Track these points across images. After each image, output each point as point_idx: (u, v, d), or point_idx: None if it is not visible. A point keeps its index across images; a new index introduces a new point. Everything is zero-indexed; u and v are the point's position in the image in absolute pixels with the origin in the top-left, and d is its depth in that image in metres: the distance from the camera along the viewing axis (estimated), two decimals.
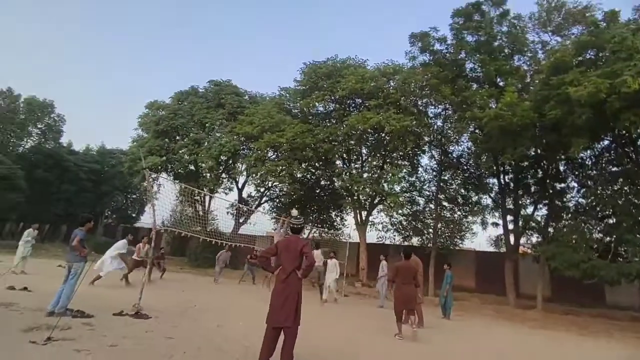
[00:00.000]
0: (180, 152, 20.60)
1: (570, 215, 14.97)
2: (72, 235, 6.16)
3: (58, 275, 6.97)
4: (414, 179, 19.85)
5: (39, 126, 32.81)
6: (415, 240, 20.42)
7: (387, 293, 11.22)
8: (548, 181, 15.35)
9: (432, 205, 19.37)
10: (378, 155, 18.51)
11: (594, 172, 14.86)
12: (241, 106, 21.51)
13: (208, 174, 21.60)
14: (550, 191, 15.33)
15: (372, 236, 20.74)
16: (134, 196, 36.52)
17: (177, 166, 21.10)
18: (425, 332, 7.41)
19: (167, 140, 21.00)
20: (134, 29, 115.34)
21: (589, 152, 14.48)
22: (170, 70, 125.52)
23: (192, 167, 21.93)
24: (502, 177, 16.54)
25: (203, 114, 21.23)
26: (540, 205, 16.05)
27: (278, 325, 4.05)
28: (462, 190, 18.65)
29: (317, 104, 18.28)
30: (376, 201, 18.72)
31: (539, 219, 15.95)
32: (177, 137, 21.51)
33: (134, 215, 37.81)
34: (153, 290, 9.41)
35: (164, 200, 11.92)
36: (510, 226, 16.10)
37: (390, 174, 16.34)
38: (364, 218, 18.65)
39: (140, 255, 11.26)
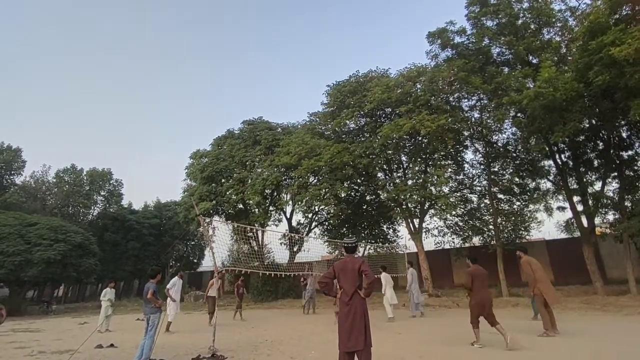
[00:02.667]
0: (228, 193, 21.48)
1: None
2: (145, 288, 6.57)
3: (139, 329, 7.43)
4: (461, 176, 19.04)
5: (102, 193, 36.20)
6: (476, 240, 19.37)
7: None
8: (612, 151, 14.06)
9: (487, 200, 18.38)
10: (419, 159, 18.06)
11: None
12: (276, 139, 22.20)
13: (256, 210, 22.25)
14: (618, 162, 13.98)
15: (429, 243, 20.02)
16: (193, 242, 38.45)
17: (227, 207, 21.97)
18: (519, 337, 6.88)
19: (214, 184, 22.05)
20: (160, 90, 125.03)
21: None
22: (205, 118, 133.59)
23: (241, 206, 22.72)
24: (557, 156, 15.42)
25: (242, 154, 22.16)
26: (609, 179, 14.67)
27: (350, 350, 3.99)
28: (517, 179, 17.50)
29: (347, 121, 18.37)
30: (426, 206, 18.13)
31: (610, 194, 14.57)
32: (223, 180, 22.52)
33: (195, 260, 39.73)
34: (224, 329, 9.70)
35: (220, 242, 12.31)
36: (580, 207, 14.81)
37: (436, 176, 15.78)
38: (416, 226, 18.08)
39: (211, 292, 11.69)
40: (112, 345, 8.25)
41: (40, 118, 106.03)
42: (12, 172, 30.41)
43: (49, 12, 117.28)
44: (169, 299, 10.48)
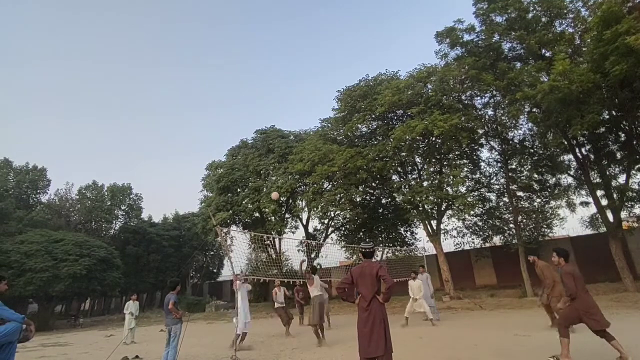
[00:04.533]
0: (244, 202, 21.71)
1: None
2: (166, 300, 6.70)
3: (163, 340, 7.56)
4: (478, 175, 18.71)
5: (123, 208, 37.12)
6: (497, 240, 18.94)
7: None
8: (635, 142, 13.58)
9: (505, 199, 17.97)
10: (433, 160, 17.86)
11: None
12: (289, 147, 22.37)
13: (272, 218, 22.41)
14: None
15: (449, 244, 19.69)
16: (212, 253, 38.93)
17: (244, 216, 22.21)
18: (547, 336, 6.70)
19: (229, 194, 22.33)
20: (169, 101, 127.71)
21: None
22: (220, 128, 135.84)
23: (257, 214, 22.91)
24: (577, 150, 14.98)
25: (256, 163, 22.41)
26: (634, 171, 14.14)
27: (370, 356, 3.96)
28: (536, 175, 17.04)
29: (359, 125, 18.38)
30: (443, 207, 17.87)
31: (636, 186, 14.05)
32: (238, 190, 22.79)
33: (214, 270, 40.20)
34: (247, 338, 9.73)
35: (238, 251, 12.44)
36: (604, 201, 14.32)
37: (451, 177, 15.57)
38: (434, 228, 17.83)
39: (279, 300, 10.99)
40: (137, 356, 8.42)
41: (60, 134, 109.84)
42: (38, 191, 31.56)
43: (55, 16, 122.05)
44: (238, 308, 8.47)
